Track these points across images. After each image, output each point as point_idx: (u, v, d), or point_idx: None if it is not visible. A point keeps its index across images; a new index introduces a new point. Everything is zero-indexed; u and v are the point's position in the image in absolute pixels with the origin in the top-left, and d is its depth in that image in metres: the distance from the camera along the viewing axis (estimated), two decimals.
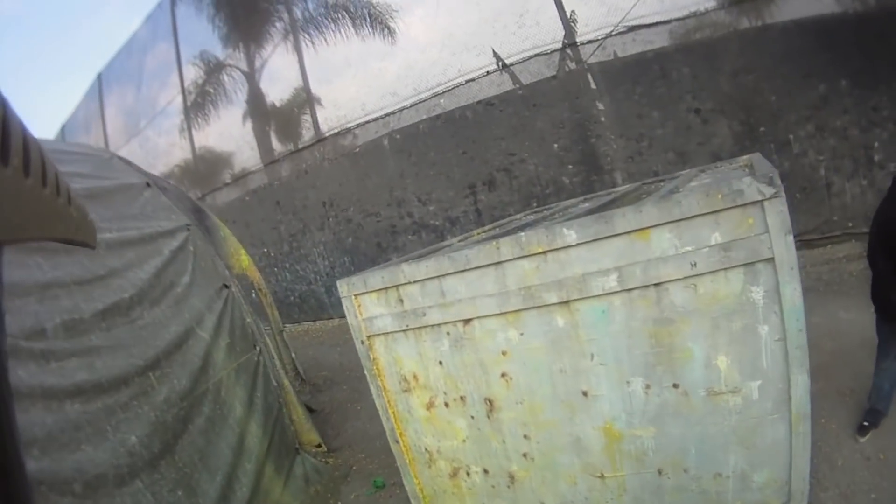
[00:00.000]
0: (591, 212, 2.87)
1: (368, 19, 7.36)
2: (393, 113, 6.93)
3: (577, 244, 2.07)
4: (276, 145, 7.77)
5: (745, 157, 3.73)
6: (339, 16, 7.50)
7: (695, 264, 1.91)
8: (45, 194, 0.40)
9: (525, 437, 2.39)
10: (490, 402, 2.42)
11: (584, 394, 2.21)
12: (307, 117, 7.55)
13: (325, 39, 7.41)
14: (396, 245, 6.92)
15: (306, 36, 7.57)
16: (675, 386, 2.05)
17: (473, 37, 6.59)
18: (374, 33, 7.32)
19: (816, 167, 5.13)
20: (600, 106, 6.02)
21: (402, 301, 2.53)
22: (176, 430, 2.78)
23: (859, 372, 3.02)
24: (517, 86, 6.41)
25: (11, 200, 0.36)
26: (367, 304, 2.64)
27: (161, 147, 9.24)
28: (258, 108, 7.94)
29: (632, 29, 5.90)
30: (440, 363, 2.51)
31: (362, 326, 2.67)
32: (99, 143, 10.02)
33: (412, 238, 6.84)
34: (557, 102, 6.13)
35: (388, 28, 7.36)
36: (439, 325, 2.45)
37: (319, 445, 3.64)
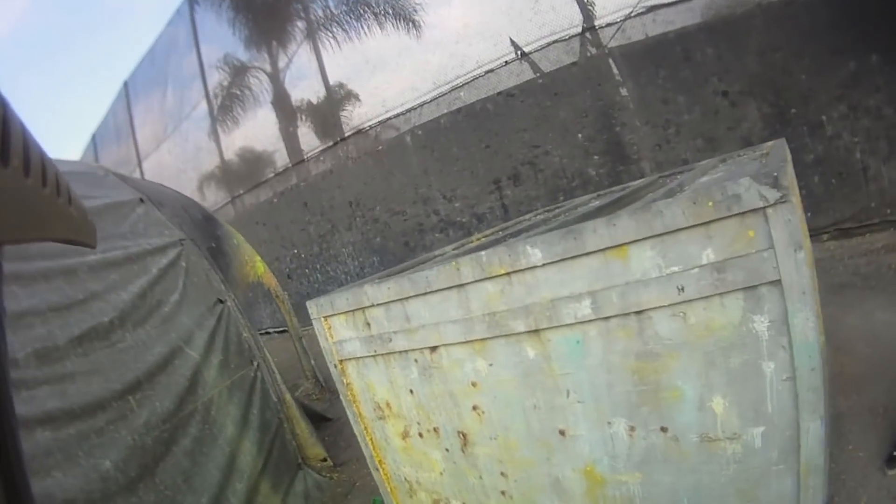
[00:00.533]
0: (583, 217, 2.45)
1: (391, 14, 6.95)
2: (413, 108, 6.51)
3: (544, 264, 1.68)
4: (303, 146, 7.47)
5: (769, 143, 3.16)
6: (361, 12, 7.12)
7: (682, 288, 1.49)
8: (45, 194, 0.38)
9: (502, 474, 2.03)
10: (464, 435, 2.07)
11: (562, 433, 1.82)
12: (330, 117, 7.23)
13: (348, 37, 7.05)
14: (424, 243, 6.55)
15: (329, 34, 7.21)
16: (664, 429, 1.63)
17: (489, 26, 6.08)
18: (398, 29, 6.90)
19: (852, 150, 4.41)
20: (623, 92, 5.44)
21: (368, 325, 2.21)
22: (157, 453, 2.57)
23: None
24: (537, 75, 5.89)
25: (11, 200, 0.34)
26: (337, 326, 2.34)
27: (189, 152, 9.06)
28: (283, 110, 7.64)
29: (651, 9, 5.29)
30: (411, 392, 2.17)
31: (333, 350, 2.37)
32: (129, 150, 10.11)
33: (439, 236, 6.44)
34: (579, 90, 5.58)
35: (413, 22, 6.92)
36: (406, 351, 2.11)
37: (325, 459, 3.38)
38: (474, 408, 1.99)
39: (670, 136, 5.21)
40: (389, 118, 6.65)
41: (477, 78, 6.13)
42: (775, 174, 1.35)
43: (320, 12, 7.16)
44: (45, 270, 2.64)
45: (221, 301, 3.25)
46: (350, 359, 2.32)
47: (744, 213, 1.37)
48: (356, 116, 6.98)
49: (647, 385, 1.61)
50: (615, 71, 5.43)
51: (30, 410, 2.27)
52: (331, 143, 7.11)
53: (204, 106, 8.52)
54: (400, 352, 2.12)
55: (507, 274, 1.74)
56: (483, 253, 1.78)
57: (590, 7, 5.55)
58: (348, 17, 6.92)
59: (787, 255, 1.35)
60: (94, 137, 11.78)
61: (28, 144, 0.35)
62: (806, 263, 1.36)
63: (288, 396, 3.31)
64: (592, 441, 1.77)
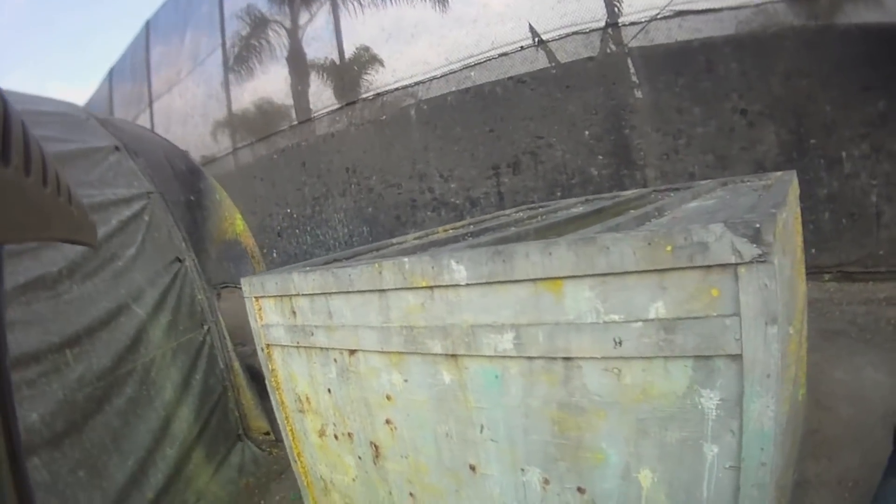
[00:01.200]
0: (550, 227, 2.06)
1: None
2: (422, 82, 5.96)
3: (467, 284, 1.31)
4: (310, 106, 6.95)
5: (777, 174, 2.71)
6: None
7: (620, 342, 1.12)
8: (46, 194, 0.36)
9: (411, 494, 1.71)
10: (376, 447, 1.74)
11: (472, 468, 1.48)
12: (339, 81, 6.70)
13: (372, 0, 6.45)
14: (415, 220, 6.10)
15: None
16: (581, 490, 1.28)
17: (509, 8, 5.54)
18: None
19: (868, 192, 3.91)
20: (638, 95, 4.92)
21: (294, 314, 1.87)
22: (87, 410, 2.31)
23: (872, 457, 2.07)
24: (552, 64, 5.35)
25: (11, 200, 0.32)
26: (266, 309, 2.00)
27: (199, 98, 8.51)
28: (296, 67, 7.10)
29: (679, 14, 4.73)
30: (329, 391, 1.85)
31: (261, 333, 2.04)
32: (143, 89, 9.68)
33: (431, 214, 5.99)
34: (592, 86, 5.05)
35: None
36: (327, 349, 1.78)
37: (268, 433, 3.08)
38: (387, 421, 1.66)
39: (680, 147, 4.70)
40: (397, 89, 6.13)
41: (490, 59, 5.59)
42: (758, 225, 0.97)
43: None
44: None
45: (180, 260, 2.94)
46: (276, 345, 2.00)
47: (709, 266, 1.01)
48: (365, 83, 6.47)
49: (568, 440, 1.26)
50: (632, 72, 4.91)
51: None
52: (336, 107, 6.60)
53: (219, 54, 7.94)
54: (321, 348, 1.79)
55: (430, 287, 1.38)
56: (406, 259, 1.41)
57: (616, 3, 4.98)
58: None
59: (755, 328, 0.99)
60: (110, 73, 11.05)
61: (28, 143, 0.32)
62: (778, 340, 0.99)
63: (237, 364, 3.02)
64: (503, 484, 1.43)
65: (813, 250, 4.05)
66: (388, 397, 1.63)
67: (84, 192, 2.70)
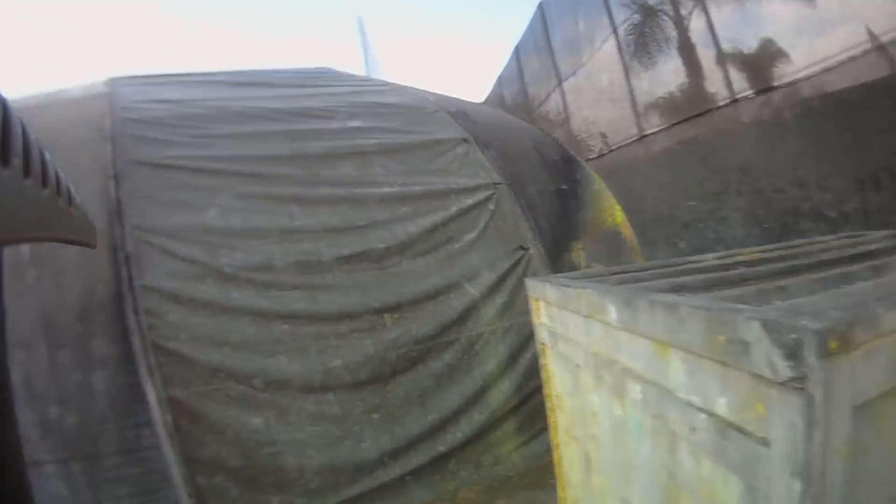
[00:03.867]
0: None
1: None
2: (795, 83, 6.12)
3: (617, 327, 1.78)
4: (702, 99, 7.73)
5: None
6: None
7: (694, 429, 1.42)
8: (45, 195, 0.43)
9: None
10: (588, 457, 2.36)
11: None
12: (722, 75, 7.26)
13: None
14: (798, 230, 6.30)
15: None
16: None
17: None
18: None
19: None
20: None
21: (552, 319, 2.57)
22: (398, 368, 3.35)
23: None
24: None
25: (11, 201, 0.39)
26: (542, 310, 2.72)
27: (603, 83, 10.02)
28: (687, 59, 8.01)
29: None
30: (568, 396, 2.55)
31: (538, 331, 2.79)
32: (549, 69, 11.89)
33: (811, 225, 6.18)
34: None
35: None
36: (566, 357, 2.44)
37: None
38: (594, 437, 2.25)
39: None
40: (771, 88, 6.48)
41: (841, 63, 5.39)
42: (794, 336, 0.94)
43: None
44: (332, 196, 3.53)
45: (524, 248, 3.98)
46: (545, 343, 2.80)
47: (757, 375, 1.06)
48: (745, 80, 6.94)
49: None
50: None
51: (272, 307, 3.13)
52: (723, 104, 7.32)
53: (612, 41, 9.39)
54: (563, 355, 2.50)
55: (604, 322, 1.89)
56: (589, 290, 1.97)
57: None
58: None
59: (781, 479, 1.00)
60: (516, 50, 14.00)
61: (28, 145, 0.37)
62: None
63: None
64: None
65: None
66: (594, 414, 2.21)
67: (424, 179, 3.84)
